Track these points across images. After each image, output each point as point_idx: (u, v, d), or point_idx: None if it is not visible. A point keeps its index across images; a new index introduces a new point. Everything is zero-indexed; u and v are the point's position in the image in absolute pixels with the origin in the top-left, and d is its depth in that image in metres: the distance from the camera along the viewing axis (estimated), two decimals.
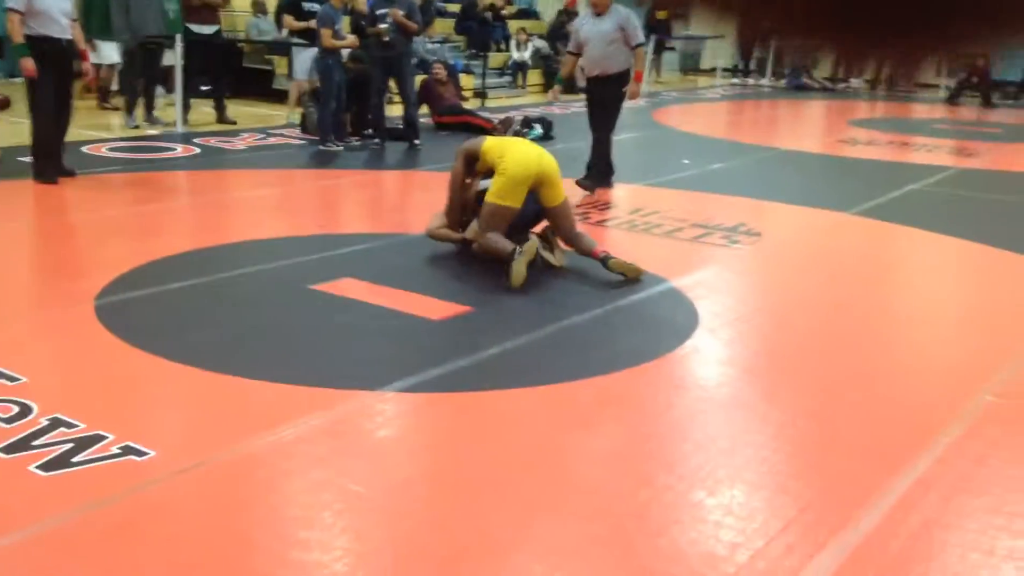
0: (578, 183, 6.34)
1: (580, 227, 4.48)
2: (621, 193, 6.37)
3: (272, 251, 4.54)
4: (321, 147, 7.55)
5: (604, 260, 4.19)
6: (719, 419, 2.84)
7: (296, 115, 8.57)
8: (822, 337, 3.65)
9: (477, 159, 4.42)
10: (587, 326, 3.65)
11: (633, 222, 5.56)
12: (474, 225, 4.34)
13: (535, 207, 4.30)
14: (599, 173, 6.36)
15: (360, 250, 4.63)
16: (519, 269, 3.99)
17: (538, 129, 8.69)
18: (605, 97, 6.20)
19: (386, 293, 3.91)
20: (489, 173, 4.36)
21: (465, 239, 4.44)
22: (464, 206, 4.52)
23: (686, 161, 7.69)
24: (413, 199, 6.45)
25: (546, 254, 4.37)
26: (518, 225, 4.34)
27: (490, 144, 4.40)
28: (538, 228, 4.50)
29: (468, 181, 4.52)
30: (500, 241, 4.16)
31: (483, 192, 4.38)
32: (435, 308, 3.74)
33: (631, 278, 4.17)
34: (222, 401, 2.80)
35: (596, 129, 6.32)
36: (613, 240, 5.25)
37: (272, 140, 8.07)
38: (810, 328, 3.76)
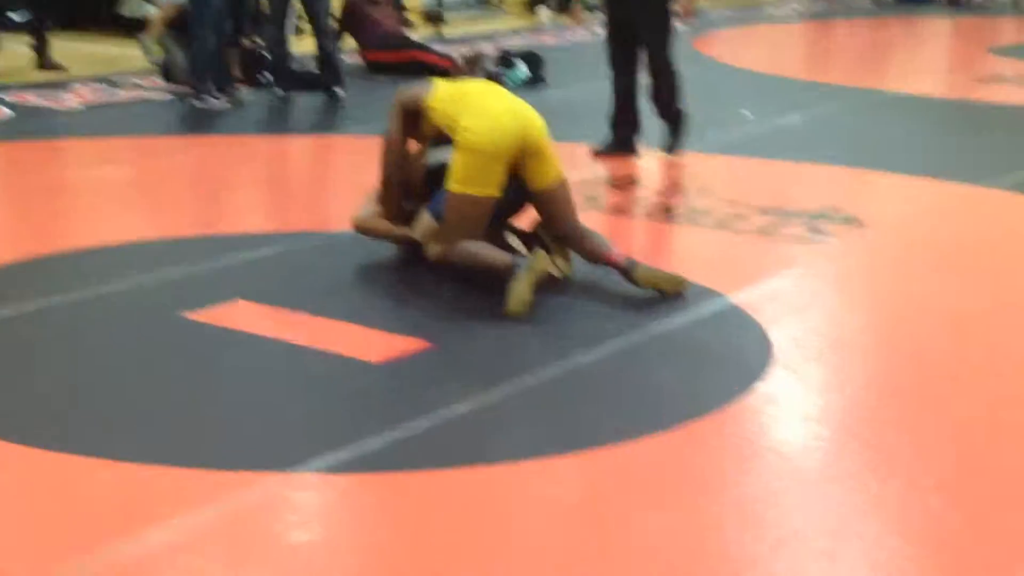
0: (597, 153, 6.36)
1: (587, 220, 4.48)
2: (650, 164, 6.40)
3: (127, 262, 4.52)
4: (195, 102, 7.55)
5: (628, 269, 4.18)
6: (810, 501, 2.84)
7: (156, 51, 8.55)
8: (954, 374, 3.66)
9: (420, 116, 4.41)
10: (605, 367, 3.64)
11: (670, 208, 5.58)
12: (425, 219, 4.33)
13: (514, 190, 4.29)
14: (623, 133, 6.38)
15: (258, 258, 4.60)
16: (521, 290, 4.00)
17: (522, 69, 8.74)
18: (643, 16, 6.26)
19: (300, 322, 3.90)
20: (444, 139, 4.36)
21: (410, 238, 4.44)
22: (407, 189, 4.51)
23: (746, 113, 7.75)
24: (335, 179, 6.47)
25: (550, 266, 4.36)
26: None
27: (441, 93, 4.38)
28: (522, 223, 4.50)
29: (412, 152, 4.53)
30: (485, 251, 4.17)
31: (435, 170, 4.37)
32: (375, 344, 3.74)
33: (669, 293, 4.18)
34: (59, 493, 2.78)
35: (621, 68, 6.37)
36: (641, 238, 5.25)
37: (122, 94, 8.05)
38: (936, 361, 3.77)
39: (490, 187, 4.16)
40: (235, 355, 3.65)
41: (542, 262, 4.09)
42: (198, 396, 3.35)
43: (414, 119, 4.44)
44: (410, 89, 4.51)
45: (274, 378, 3.50)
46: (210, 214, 5.48)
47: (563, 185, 4.34)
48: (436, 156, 4.44)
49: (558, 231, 4.35)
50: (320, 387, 3.43)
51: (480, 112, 4.21)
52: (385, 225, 4.54)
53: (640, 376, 3.60)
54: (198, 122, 7.28)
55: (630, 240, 4.65)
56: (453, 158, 4.21)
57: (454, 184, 4.17)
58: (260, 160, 6.65)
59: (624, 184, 5.97)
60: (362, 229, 4.60)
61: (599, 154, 6.36)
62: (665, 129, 6.38)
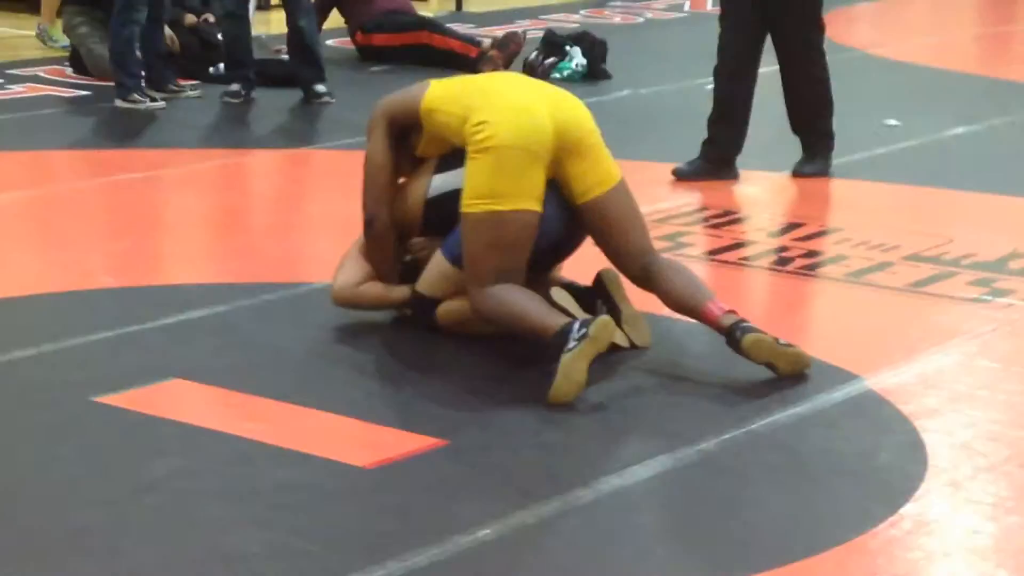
0: (682, 175, 6.40)
1: (671, 256, 4.51)
2: (756, 190, 6.42)
3: (20, 324, 4.56)
4: (117, 102, 7.65)
5: (733, 331, 4.16)
6: None
7: (60, 35, 8.66)
8: None
9: (414, 124, 4.44)
10: (685, 478, 3.62)
11: (783, 251, 5.59)
12: (437, 265, 4.36)
13: (559, 219, 4.31)
14: (722, 150, 6.47)
15: (202, 320, 4.64)
16: (575, 369, 3.96)
17: (576, 58, 8.80)
18: None
19: (258, 411, 3.89)
20: (450, 160, 4.40)
21: (418, 298, 4.43)
22: (403, 233, 4.53)
23: (893, 122, 7.78)
24: (311, 210, 6.48)
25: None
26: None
27: (441, 92, 4.42)
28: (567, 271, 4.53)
29: (407, 180, 4.55)
30: (531, 304, 4.17)
31: (441, 201, 4.38)
32: (365, 442, 3.74)
33: (784, 372, 4.18)
34: None
35: (737, 62, 6.48)
36: (745, 295, 5.23)
37: (18, 89, 8.15)
38: None
39: (525, 199, 4.17)
40: (166, 458, 3.62)
41: (606, 331, 4.04)
42: (120, 515, 3.32)
43: (405, 134, 4.49)
44: (398, 93, 4.57)
45: (221, 491, 3.46)
46: (136, 258, 5.49)
47: (619, 191, 4.33)
48: (442, 182, 4.42)
49: (623, 264, 4.35)
50: (287, 504, 3.39)
51: (500, 104, 4.27)
52: (375, 291, 4.54)
53: (736, 492, 3.58)
54: (121, 130, 7.35)
55: (730, 297, 4.65)
56: (467, 170, 4.22)
57: (471, 202, 4.18)
58: (207, 183, 6.69)
59: (722, 220, 6.00)
60: (345, 302, 4.57)
61: (685, 177, 6.41)
62: (804, 144, 6.48)
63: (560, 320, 4.10)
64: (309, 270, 4.98)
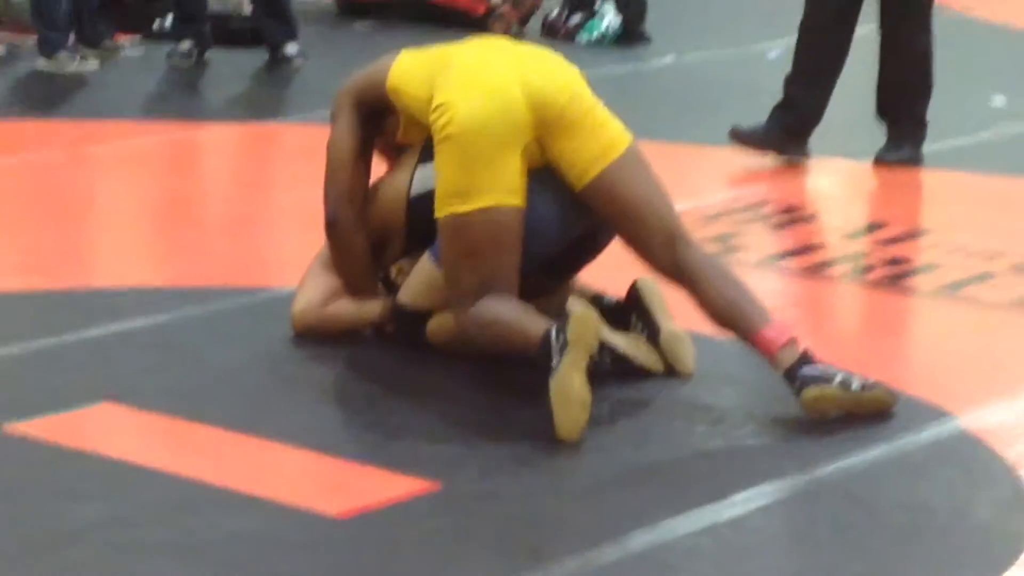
0: (740, 137, 6.43)
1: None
2: (828, 181, 6.44)
3: None
4: (41, 62, 7.69)
5: (792, 377, 4.11)
6: None
7: None
8: None
9: (384, 106, 4.50)
10: (739, 532, 3.61)
11: (861, 257, 5.61)
12: (424, 271, 4.38)
13: (556, 216, 4.31)
14: (796, 119, 6.52)
15: (138, 331, 4.67)
16: (569, 388, 3.94)
17: (609, 17, 8.80)
18: None
19: (207, 443, 3.92)
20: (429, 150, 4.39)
21: (401, 311, 4.45)
22: (382, 237, 4.58)
23: (997, 100, 7.82)
24: (276, 198, 6.52)
25: (620, 339, 4.39)
26: (540, 273, 4.38)
27: (408, 64, 4.46)
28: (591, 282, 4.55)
29: (383, 176, 4.61)
30: (507, 318, 4.18)
31: (425, 198, 4.37)
32: (338, 484, 3.77)
33: (864, 410, 4.18)
34: None
35: (829, 24, 6.56)
36: (811, 306, 5.26)
37: None
38: None
39: (498, 193, 4.19)
40: (91, 502, 3.59)
41: (586, 325, 4.01)
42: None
43: (378, 118, 4.54)
44: (366, 68, 4.61)
45: (158, 545, 3.42)
46: (58, 255, 5.53)
47: (627, 162, 4.28)
48: (427, 176, 4.42)
49: (649, 256, 4.30)
50: (239, 562, 3.36)
51: (460, 80, 4.28)
52: (346, 309, 4.58)
53: (797, 556, 3.59)
54: (43, 96, 7.38)
55: (792, 315, 4.64)
56: (436, 165, 4.26)
57: (441, 205, 4.21)
58: (149, 164, 6.73)
59: (785, 218, 6.03)
60: (308, 328, 4.58)
61: (743, 140, 6.44)
62: (890, 126, 6.53)
63: (543, 324, 4.07)
64: (271, 273, 4.99)
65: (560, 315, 4.11)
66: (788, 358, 4.11)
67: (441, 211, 4.20)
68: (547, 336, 3.99)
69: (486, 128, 4.17)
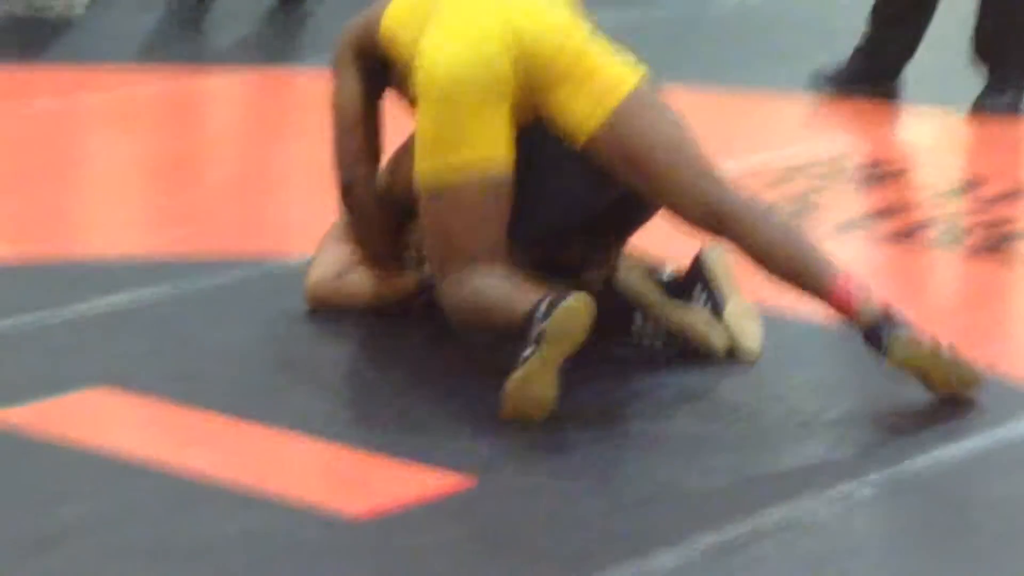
0: (820, 80, 6.53)
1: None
2: (920, 132, 6.45)
3: None
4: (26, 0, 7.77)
5: (874, 327, 4.12)
6: None
7: None
8: None
9: (377, 52, 4.57)
10: (812, 534, 3.60)
11: (958, 219, 5.59)
12: None
13: (586, 173, 4.30)
14: (885, 59, 6.62)
15: (132, 306, 4.70)
16: (529, 386, 3.98)
17: None
18: None
19: (208, 433, 3.92)
20: None
21: (424, 288, 4.52)
22: (409, 204, 4.58)
23: None
24: (286, 154, 6.58)
25: (679, 313, 4.43)
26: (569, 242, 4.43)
27: (400, 9, 4.52)
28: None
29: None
30: (489, 288, 4.20)
31: None
32: (356, 479, 3.76)
33: (942, 389, 4.17)
34: None
35: None
36: (899, 273, 5.31)
37: None
38: None
39: (481, 147, 4.21)
40: (78, 499, 3.57)
41: (573, 320, 3.98)
42: None
43: (370, 57, 4.60)
44: (363, 14, 4.69)
45: (152, 547, 3.42)
46: (42, 221, 5.57)
47: (634, 104, 4.23)
48: None
49: (679, 208, 4.25)
50: (243, 567, 3.36)
51: (440, 26, 4.31)
52: (365, 281, 4.65)
53: (876, 559, 3.53)
54: (23, 40, 7.47)
55: (876, 283, 4.65)
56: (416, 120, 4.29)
57: (419, 166, 4.26)
58: (143, 116, 6.78)
59: (871, 174, 5.99)
60: (324, 301, 4.66)
61: (827, 84, 6.66)
62: (991, 70, 6.57)
63: (534, 295, 4.05)
64: (281, 240, 5.00)
65: (557, 294, 4.07)
66: (870, 312, 4.09)
67: (415, 172, 4.25)
68: (530, 317, 4.00)
69: (463, 76, 4.19)
